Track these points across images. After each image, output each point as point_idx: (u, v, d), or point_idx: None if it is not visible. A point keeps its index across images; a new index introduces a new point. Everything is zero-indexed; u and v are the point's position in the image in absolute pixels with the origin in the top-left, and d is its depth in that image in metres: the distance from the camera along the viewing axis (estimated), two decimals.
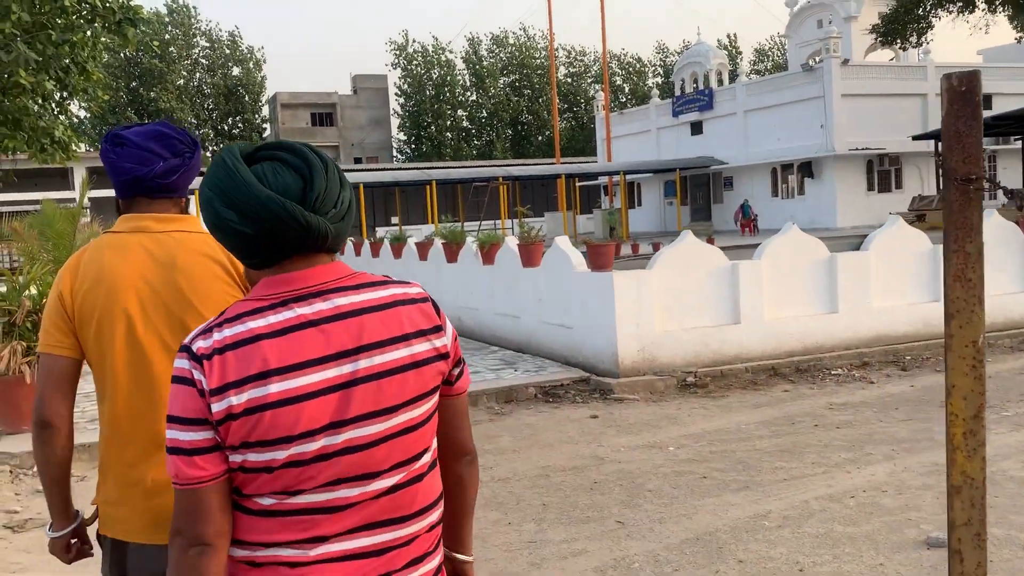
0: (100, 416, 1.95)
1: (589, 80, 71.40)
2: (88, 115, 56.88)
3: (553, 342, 8.74)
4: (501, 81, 68.24)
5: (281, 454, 1.21)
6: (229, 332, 1.24)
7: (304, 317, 1.25)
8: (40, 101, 13.73)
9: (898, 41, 22.40)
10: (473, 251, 10.66)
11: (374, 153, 68.84)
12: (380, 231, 38.78)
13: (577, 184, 43.61)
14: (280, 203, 1.22)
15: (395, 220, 44.62)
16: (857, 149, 33.78)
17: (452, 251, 11.34)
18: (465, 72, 67.86)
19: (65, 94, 14.63)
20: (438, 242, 11.98)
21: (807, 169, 34.77)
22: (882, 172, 35.10)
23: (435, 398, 1.34)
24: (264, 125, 65.36)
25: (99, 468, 1.95)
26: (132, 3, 13.37)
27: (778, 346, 8.20)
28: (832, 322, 8.40)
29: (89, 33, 13.30)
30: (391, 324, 1.28)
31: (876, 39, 23.13)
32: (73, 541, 1.97)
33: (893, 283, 8.69)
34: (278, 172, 1.27)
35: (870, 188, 34.85)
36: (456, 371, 1.39)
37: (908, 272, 8.79)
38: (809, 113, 34.50)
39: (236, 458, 1.23)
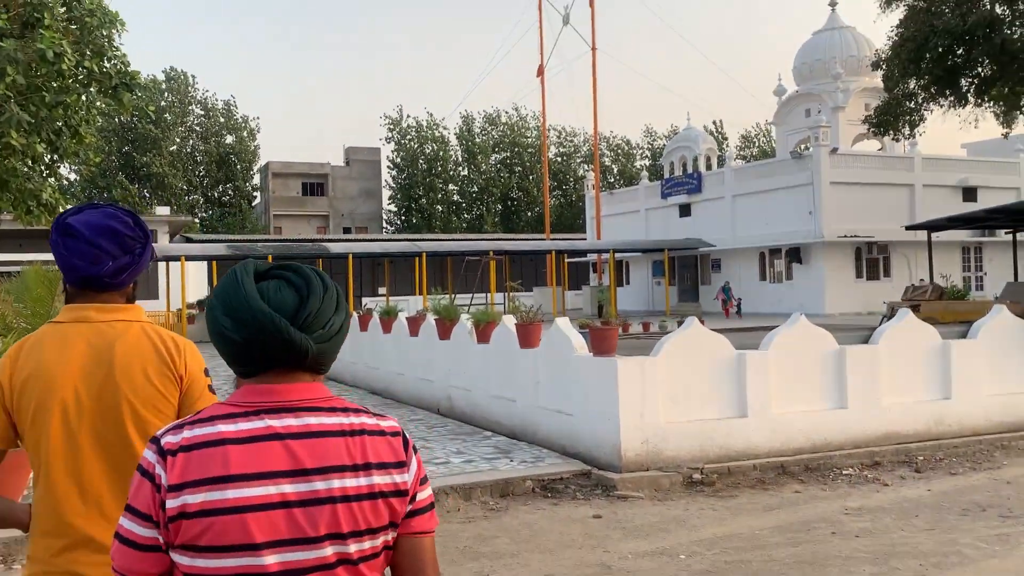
0: (33, 503, 1.94)
1: (578, 160, 72.47)
2: (78, 178, 57.09)
3: (551, 429, 8.34)
4: (493, 158, 69.14)
5: (230, 562, 1.24)
6: (200, 432, 1.29)
7: (272, 429, 1.29)
8: (30, 163, 13.49)
9: (890, 132, 22.64)
10: (468, 329, 10.33)
11: (364, 223, 69.01)
12: (367, 301, 38.54)
13: (566, 260, 43.60)
14: (270, 316, 1.30)
15: (382, 291, 44.42)
16: (845, 236, 34.02)
17: (445, 328, 11.00)
18: (458, 148, 68.75)
19: (56, 156, 14.39)
20: (430, 318, 11.65)
21: (795, 254, 34.93)
22: (870, 260, 35.31)
23: (388, 535, 1.35)
24: (255, 193, 65.55)
25: (27, 556, 1.93)
26: (129, 69, 13.26)
27: (786, 442, 7.84)
28: (841, 418, 8.07)
29: (84, 97, 13.15)
30: (355, 452, 1.31)
31: (869, 130, 23.46)
32: None
33: (903, 379, 8.40)
34: (280, 289, 1.35)
35: (858, 275, 35.01)
36: (411, 508, 1.37)
37: (918, 367, 8.52)
38: (797, 199, 34.85)
39: (185, 561, 1.25)
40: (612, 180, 70.02)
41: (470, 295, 36.49)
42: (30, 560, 1.93)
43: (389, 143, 67.72)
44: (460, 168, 69.17)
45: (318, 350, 1.34)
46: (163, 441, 1.29)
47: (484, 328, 9.91)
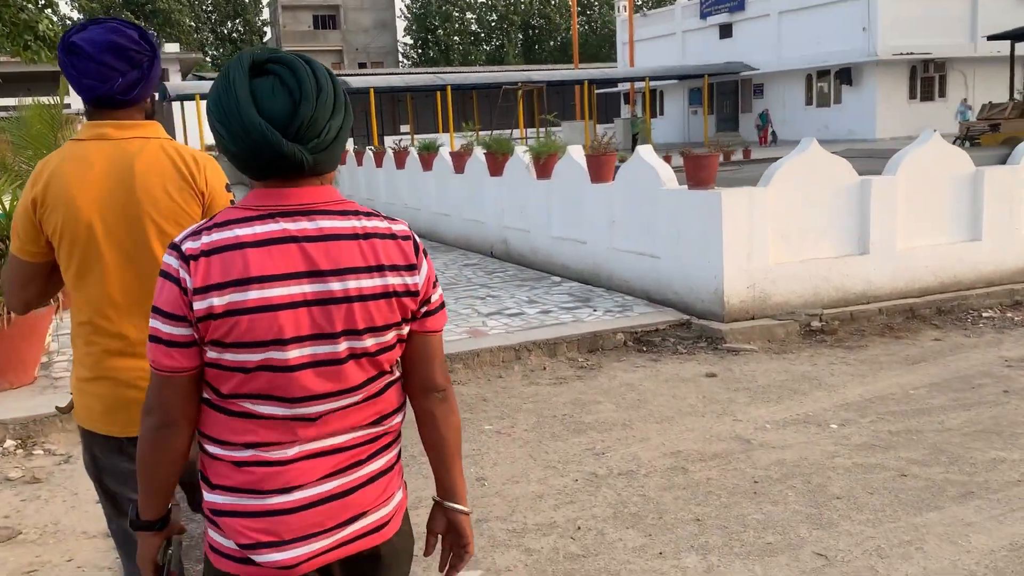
0: (72, 316, 2.01)
1: None
2: (81, 15, 54.25)
3: (631, 273, 7.33)
4: None
5: (255, 357, 1.32)
6: (217, 236, 1.31)
7: (288, 232, 1.32)
8: None
9: None
10: (525, 163, 9.14)
11: (379, 58, 66.06)
12: (388, 140, 36.96)
13: (595, 92, 41.35)
14: (260, 129, 1.28)
15: (405, 128, 42.63)
16: (901, 54, 31.54)
17: (497, 163, 9.80)
18: None
19: None
20: (478, 152, 10.43)
21: (846, 76, 32.60)
22: (925, 79, 32.93)
23: (402, 330, 1.42)
24: (264, 28, 62.48)
25: (73, 362, 2.03)
26: None
27: (911, 281, 6.78)
28: (973, 252, 6.96)
29: None
30: (368, 254, 1.36)
31: None
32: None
33: None
34: (274, 92, 1.30)
35: (912, 96, 32.77)
36: (424, 309, 1.44)
37: None
38: (851, 14, 32.09)
39: (212, 354, 1.33)
40: (640, 3, 65.87)
41: (500, 130, 34.81)
42: (77, 364, 2.03)
43: None
44: None
45: (314, 160, 1.33)
46: (184, 247, 1.32)
47: (545, 162, 8.71)
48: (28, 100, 8.40)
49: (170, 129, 34.22)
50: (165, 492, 1.47)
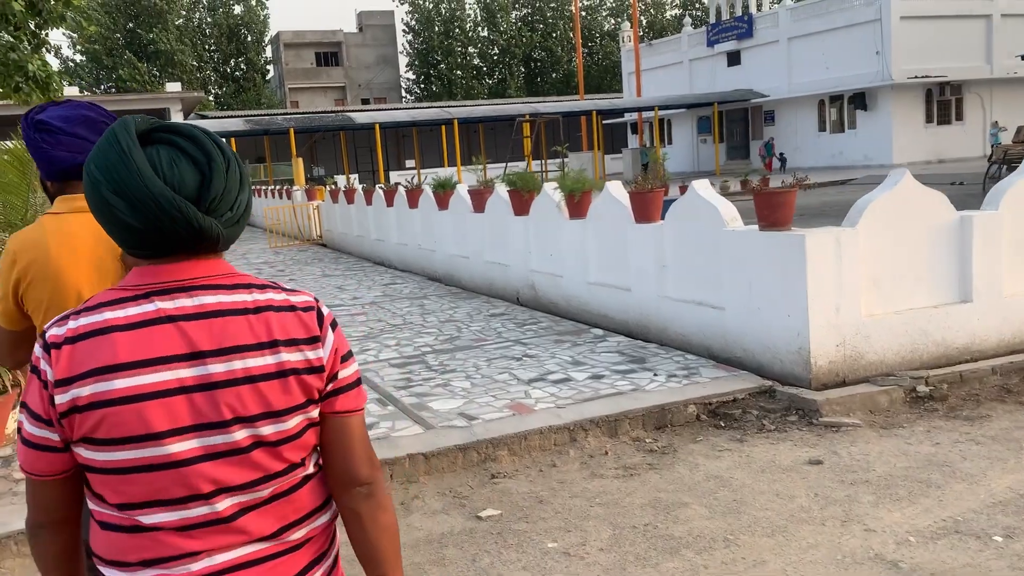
0: None
1: (604, 13, 67.94)
2: (83, 57, 54.08)
3: (690, 327, 6.39)
4: (513, 15, 64.94)
5: (132, 454, 1.17)
6: (84, 321, 1.20)
7: (163, 312, 1.20)
8: (12, 30, 11.32)
9: None
10: (555, 201, 8.24)
11: (382, 94, 65.87)
12: (393, 176, 36.31)
13: (602, 123, 40.73)
14: (173, 201, 1.17)
15: (410, 163, 42.04)
16: (916, 77, 30.87)
17: (523, 201, 8.92)
18: (475, 6, 64.57)
19: (40, 20, 12.07)
20: (501, 190, 9.56)
21: (860, 100, 31.92)
22: (942, 102, 32.23)
23: (308, 412, 1.26)
24: (267, 67, 62.32)
25: None
26: None
27: (1018, 332, 5.84)
28: None
29: None
30: (259, 330, 1.23)
31: None
32: None
33: None
34: (175, 162, 1.20)
35: (928, 120, 32.06)
36: (332, 387, 1.28)
37: None
38: (863, 38, 31.51)
39: (86, 454, 1.20)
40: (641, 34, 65.75)
41: (509, 162, 34.11)
42: None
43: (403, 4, 63.62)
44: (479, 28, 65.19)
45: (228, 234, 1.24)
46: (48, 334, 1.21)
47: (579, 200, 7.82)
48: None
49: None
50: None
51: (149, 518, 1.19)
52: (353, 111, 40.58)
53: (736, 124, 38.44)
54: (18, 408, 1.55)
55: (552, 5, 65.52)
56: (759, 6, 37.11)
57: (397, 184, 14.25)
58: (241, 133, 28.26)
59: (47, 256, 1.92)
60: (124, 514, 1.20)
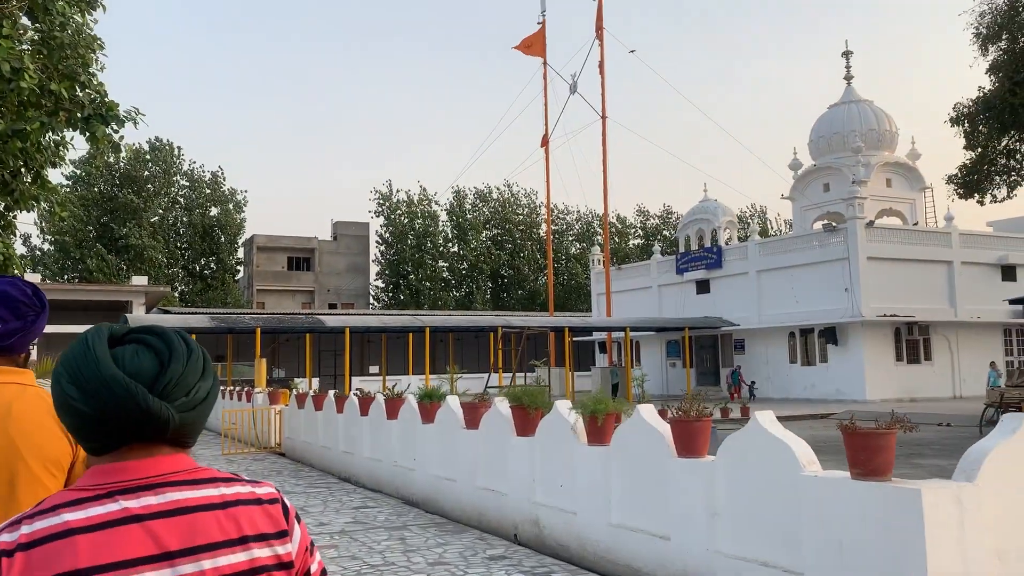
0: None
1: (571, 238, 70.53)
2: (51, 246, 53.71)
3: None
4: (483, 235, 67.05)
5: None
6: (40, 525, 1.14)
7: (129, 511, 1.16)
8: None
9: (977, 195, 20.13)
10: (570, 423, 7.18)
11: (350, 299, 66.06)
12: (355, 380, 35.10)
13: (571, 340, 40.57)
14: (123, 383, 1.18)
15: (374, 369, 40.98)
16: (885, 316, 31.35)
17: (528, 420, 7.84)
18: (448, 224, 66.72)
19: (10, 200, 11.29)
20: (501, 406, 8.49)
21: (831, 335, 32.15)
22: (910, 341, 32.59)
23: None
24: (238, 267, 62.54)
25: None
26: (107, 99, 10.36)
27: None
28: None
29: (48, 131, 10.22)
30: (228, 525, 1.20)
31: (955, 191, 20.83)
32: None
33: None
34: (138, 354, 1.23)
35: (898, 358, 32.22)
36: None
37: None
38: (832, 275, 32.30)
39: None
40: (597, 260, 68.15)
41: (486, 374, 33.22)
42: None
43: (378, 217, 65.52)
44: (450, 244, 67.02)
45: (181, 419, 1.22)
46: None
47: (603, 424, 6.78)
48: None
49: None
50: None
51: None
52: (322, 314, 40.02)
53: (706, 350, 38.44)
54: None
55: (521, 228, 68.02)
56: (728, 240, 38.35)
57: (359, 392, 13.11)
58: (205, 330, 27.22)
59: None
60: None
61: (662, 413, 7.01)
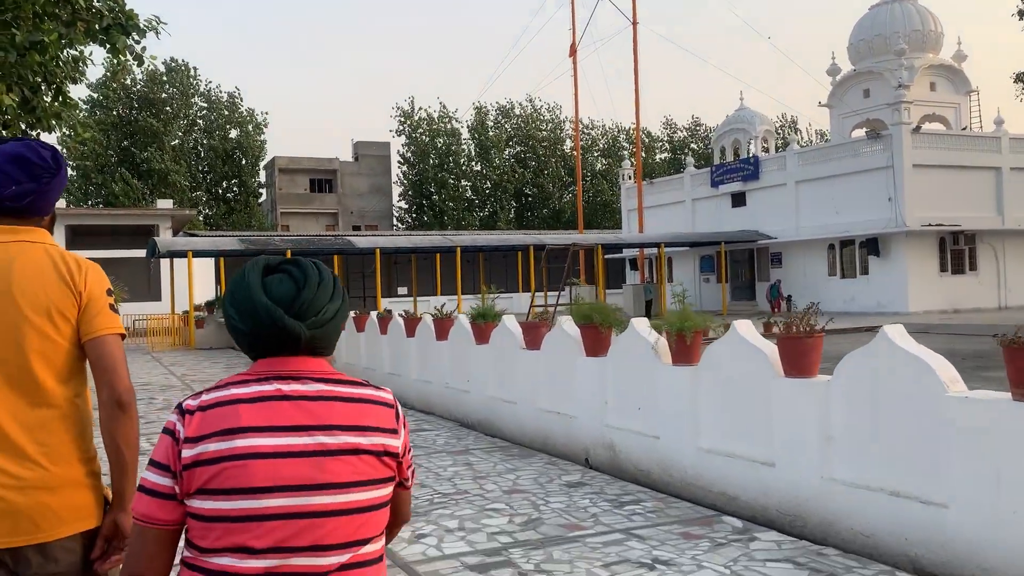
0: None
1: (596, 154, 69.00)
2: (74, 171, 53.20)
3: (876, 524, 4.64)
4: (506, 152, 65.72)
5: (237, 504, 1.42)
6: (215, 395, 1.50)
7: (281, 391, 1.50)
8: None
9: None
10: (649, 342, 6.60)
11: (374, 221, 65.49)
12: (385, 303, 34.79)
13: (603, 258, 39.89)
14: (266, 306, 1.51)
15: (403, 291, 40.64)
16: (929, 225, 30.32)
17: (600, 339, 7.29)
18: (470, 142, 65.35)
19: (33, 120, 10.63)
20: (567, 325, 7.92)
21: (872, 246, 31.20)
22: (955, 252, 31.60)
23: (386, 489, 1.53)
24: (260, 190, 61.91)
25: None
26: (126, 8, 9.57)
27: None
28: None
29: (66, 43, 9.50)
30: (354, 415, 1.51)
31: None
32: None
33: None
34: (282, 282, 1.55)
35: (943, 269, 31.29)
36: (401, 472, 1.59)
37: None
38: (874, 184, 31.16)
39: (196, 503, 1.44)
40: (628, 175, 66.88)
41: (510, 294, 32.78)
42: None
43: (400, 136, 64.31)
44: (473, 163, 65.78)
45: (311, 335, 1.53)
46: (184, 404, 1.51)
47: (692, 342, 6.21)
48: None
49: (159, 285, 31.80)
50: None
51: (241, 562, 1.42)
52: (352, 235, 39.51)
53: (741, 265, 37.65)
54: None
55: (544, 144, 66.54)
56: (765, 149, 37.09)
57: (405, 314, 12.64)
58: (234, 252, 26.81)
59: None
60: (212, 561, 1.44)
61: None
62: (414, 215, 64.92)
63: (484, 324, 9.59)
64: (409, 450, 1.61)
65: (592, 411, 7.41)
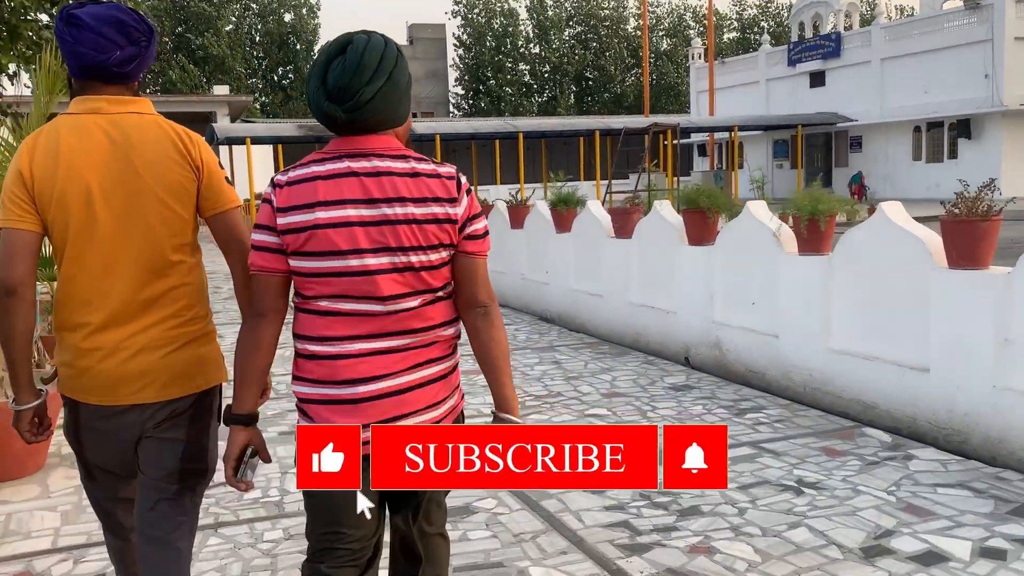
0: (58, 283, 2.04)
1: (660, 33, 65.70)
2: None
3: None
4: (566, 33, 63.00)
5: (326, 263, 1.79)
6: (300, 172, 1.82)
7: (351, 168, 1.80)
8: (49, 6, 9.29)
9: None
10: (770, 228, 5.77)
11: (430, 108, 64.05)
12: None
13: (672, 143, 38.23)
14: (313, 95, 1.80)
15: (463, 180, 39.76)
16: None
17: (704, 227, 6.45)
18: (528, 22, 62.67)
19: None
20: (664, 211, 7.10)
21: (963, 128, 29.08)
22: None
23: (442, 252, 1.84)
24: None
25: (56, 331, 2.06)
26: None
27: None
28: None
29: None
30: (414, 188, 1.80)
31: None
32: (35, 419, 2.08)
33: None
34: (339, 66, 1.78)
35: None
36: (465, 233, 1.86)
37: None
38: (968, 60, 28.73)
39: (295, 263, 1.83)
40: (698, 55, 63.65)
41: (574, 182, 31.69)
42: (59, 335, 2.06)
43: (455, 17, 61.97)
44: (531, 45, 63.27)
45: (350, 118, 1.78)
46: (276, 179, 1.84)
47: (826, 228, 5.35)
48: None
49: None
50: (254, 385, 1.89)
51: (337, 305, 1.82)
52: (413, 120, 38.52)
53: (817, 150, 35.71)
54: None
55: (607, 24, 63.55)
56: (848, 25, 34.50)
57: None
58: (292, 139, 26.18)
59: (59, 146, 1.96)
60: (316, 304, 1.84)
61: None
62: (471, 101, 63.36)
63: (565, 211, 8.80)
64: (475, 217, 1.86)
65: (695, 306, 6.67)
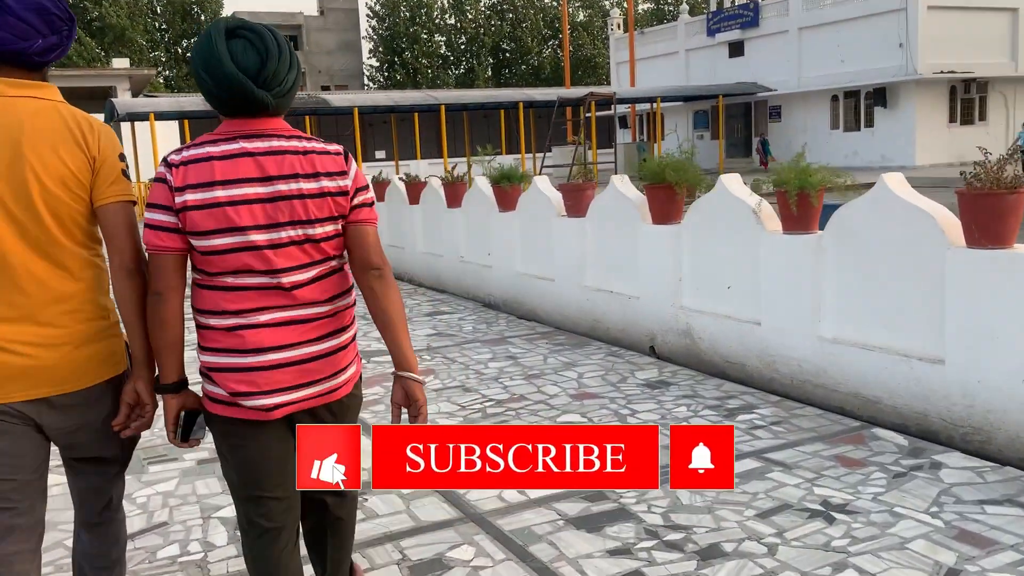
0: None
1: (576, 4, 65.19)
2: None
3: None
4: (481, 3, 61.90)
5: (227, 239, 1.89)
6: (193, 152, 1.91)
7: (245, 149, 1.91)
8: None
9: None
10: (748, 205, 5.20)
11: (343, 81, 62.08)
12: (364, 167, 32.85)
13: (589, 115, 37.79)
14: (239, 79, 1.86)
15: (380, 154, 38.52)
16: (941, 72, 28.57)
17: (671, 204, 5.85)
18: None
19: None
20: (623, 185, 6.48)
21: (879, 96, 29.52)
22: (965, 101, 29.99)
23: (338, 224, 2.01)
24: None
25: None
26: None
27: None
28: None
29: None
30: (307, 165, 1.94)
31: None
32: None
33: None
34: (247, 51, 1.88)
35: (952, 120, 29.79)
36: (355, 203, 2.03)
37: None
38: (884, 30, 29.10)
39: (194, 242, 1.91)
40: (617, 25, 63.46)
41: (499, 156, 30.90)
42: None
43: None
44: (446, 16, 61.96)
45: (276, 103, 1.92)
46: (169, 158, 1.91)
47: (817, 202, 4.80)
48: None
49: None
50: (172, 355, 1.98)
51: (239, 280, 1.93)
52: (325, 94, 36.99)
53: (736, 120, 35.85)
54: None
55: None
56: None
57: (405, 177, 11.09)
58: (200, 114, 24.59)
59: None
60: (220, 280, 1.94)
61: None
62: (385, 74, 61.73)
63: (509, 188, 8.10)
64: (362, 189, 2.04)
65: (660, 290, 6.09)
